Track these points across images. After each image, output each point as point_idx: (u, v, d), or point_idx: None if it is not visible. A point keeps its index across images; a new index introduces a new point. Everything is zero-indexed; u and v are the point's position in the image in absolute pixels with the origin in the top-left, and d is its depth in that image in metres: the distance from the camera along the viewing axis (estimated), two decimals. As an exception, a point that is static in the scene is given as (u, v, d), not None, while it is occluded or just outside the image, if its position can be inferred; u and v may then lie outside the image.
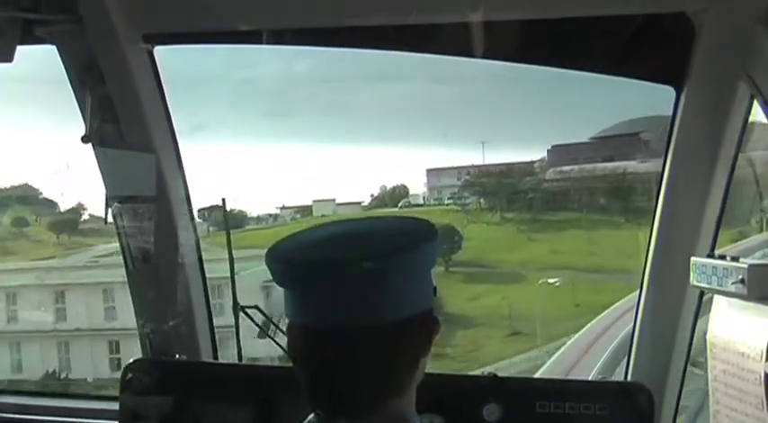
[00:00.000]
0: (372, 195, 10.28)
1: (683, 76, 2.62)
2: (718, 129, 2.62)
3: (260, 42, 2.89)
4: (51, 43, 2.95)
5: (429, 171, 10.30)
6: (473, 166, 10.57)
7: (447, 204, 10.32)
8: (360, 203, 10.33)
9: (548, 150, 10.43)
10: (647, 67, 2.71)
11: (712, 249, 2.68)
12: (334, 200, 9.73)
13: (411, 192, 10.43)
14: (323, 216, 9.45)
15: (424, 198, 10.46)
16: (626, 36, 2.55)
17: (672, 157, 2.74)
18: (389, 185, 10.25)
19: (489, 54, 2.78)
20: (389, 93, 8.85)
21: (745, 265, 2.26)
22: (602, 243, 9.97)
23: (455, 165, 10.45)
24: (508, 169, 10.51)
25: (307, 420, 1.85)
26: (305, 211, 9.80)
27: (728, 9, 2.45)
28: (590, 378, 4.10)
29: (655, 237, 2.84)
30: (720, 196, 2.71)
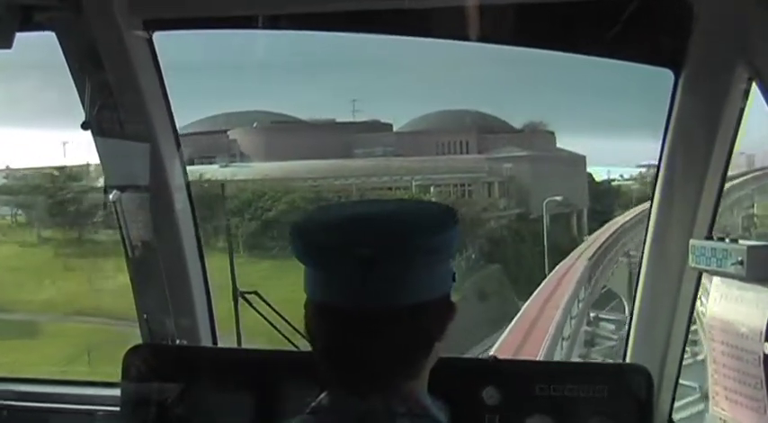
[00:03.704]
0: None
1: (681, 59, 2.62)
2: (716, 112, 2.62)
3: (259, 27, 2.89)
4: (50, 30, 2.95)
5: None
6: (9, 169, 8.34)
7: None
8: None
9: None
10: (645, 50, 2.71)
11: (710, 232, 2.68)
12: None
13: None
14: None
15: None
16: (624, 19, 2.55)
17: (670, 140, 2.74)
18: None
19: (482, 38, 2.78)
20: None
21: (744, 247, 2.28)
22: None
23: None
24: (55, 172, 8.34)
25: (318, 399, 1.86)
26: None
27: (728, -8, 2.45)
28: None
29: (653, 220, 2.85)
30: (718, 179, 2.72)
